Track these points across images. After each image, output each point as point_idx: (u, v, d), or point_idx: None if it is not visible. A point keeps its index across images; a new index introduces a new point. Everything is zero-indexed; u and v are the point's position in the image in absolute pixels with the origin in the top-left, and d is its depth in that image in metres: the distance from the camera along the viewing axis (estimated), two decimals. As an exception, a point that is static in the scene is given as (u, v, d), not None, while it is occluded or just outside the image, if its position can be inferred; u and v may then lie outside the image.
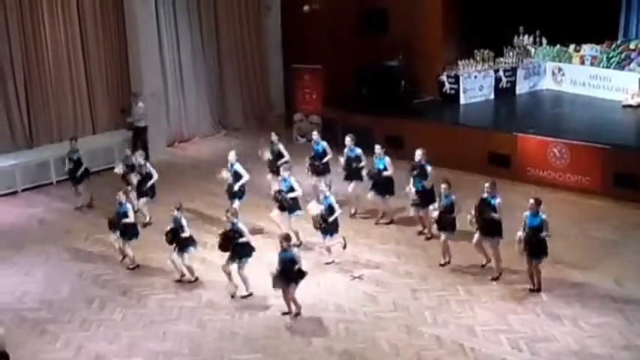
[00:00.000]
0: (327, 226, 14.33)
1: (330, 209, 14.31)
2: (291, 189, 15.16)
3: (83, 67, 21.54)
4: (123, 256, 14.97)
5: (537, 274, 13.22)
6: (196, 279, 14.19)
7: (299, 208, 15.26)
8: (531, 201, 12.93)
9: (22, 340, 12.24)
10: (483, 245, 13.87)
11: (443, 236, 14.34)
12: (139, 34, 21.45)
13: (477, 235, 13.79)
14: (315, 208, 14.43)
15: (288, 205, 15.12)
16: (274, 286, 12.60)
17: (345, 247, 14.78)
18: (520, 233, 12.94)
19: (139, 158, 16.83)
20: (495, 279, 13.73)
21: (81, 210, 17.98)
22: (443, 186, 14.16)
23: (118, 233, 14.77)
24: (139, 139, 20.56)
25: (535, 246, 12.88)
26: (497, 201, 13.49)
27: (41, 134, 20.81)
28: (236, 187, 15.89)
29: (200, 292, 13.83)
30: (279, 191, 15.20)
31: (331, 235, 14.52)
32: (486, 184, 13.63)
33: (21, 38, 20.17)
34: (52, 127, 21.01)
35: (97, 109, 21.79)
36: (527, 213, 12.97)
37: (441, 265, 14.43)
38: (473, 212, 13.62)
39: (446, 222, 14.16)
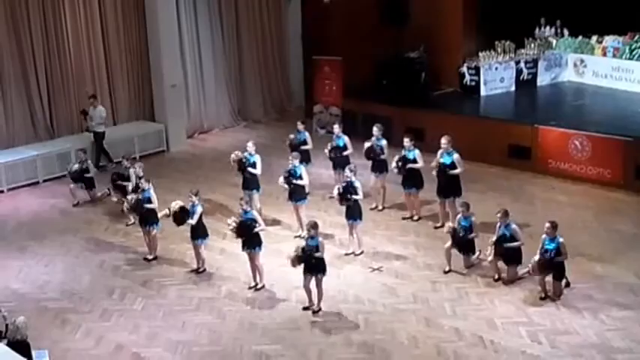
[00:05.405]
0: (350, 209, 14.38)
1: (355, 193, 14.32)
2: (300, 177, 15.22)
3: (104, 58, 21.60)
4: (150, 251, 14.95)
5: (557, 291, 12.79)
6: (204, 270, 14.26)
7: (304, 197, 15.40)
8: (547, 225, 12.61)
9: (43, 330, 12.34)
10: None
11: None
12: (160, 26, 21.47)
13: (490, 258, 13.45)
14: None
15: (294, 193, 15.25)
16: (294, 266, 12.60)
17: (361, 253, 14.72)
18: (537, 258, 12.57)
19: (137, 169, 15.80)
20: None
21: (100, 200, 18.08)
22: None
23: (137, 220, 14.80)
24: (97, 144, 19.88)
25: (556, 269, 12.59)
26: (512, 227, 13.18)
27: (62, 125, 20.92)
28: (247, 168, 15.92)
29: (220, 283, 13.88)
30: (288, 177, 15.25)
31: (357, 220, 14.45)
32: (498, 215, 13.27)
33: (42, 30, 20.25)
34: (73, 119, 21.06)
35: (117, 101, 21.87)
36: (544, 236, 12.65)
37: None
38: (488, 248, 13.40)
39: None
